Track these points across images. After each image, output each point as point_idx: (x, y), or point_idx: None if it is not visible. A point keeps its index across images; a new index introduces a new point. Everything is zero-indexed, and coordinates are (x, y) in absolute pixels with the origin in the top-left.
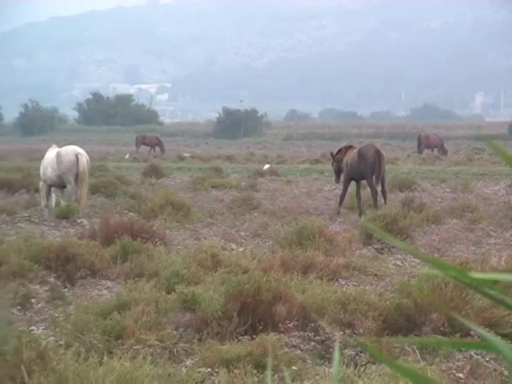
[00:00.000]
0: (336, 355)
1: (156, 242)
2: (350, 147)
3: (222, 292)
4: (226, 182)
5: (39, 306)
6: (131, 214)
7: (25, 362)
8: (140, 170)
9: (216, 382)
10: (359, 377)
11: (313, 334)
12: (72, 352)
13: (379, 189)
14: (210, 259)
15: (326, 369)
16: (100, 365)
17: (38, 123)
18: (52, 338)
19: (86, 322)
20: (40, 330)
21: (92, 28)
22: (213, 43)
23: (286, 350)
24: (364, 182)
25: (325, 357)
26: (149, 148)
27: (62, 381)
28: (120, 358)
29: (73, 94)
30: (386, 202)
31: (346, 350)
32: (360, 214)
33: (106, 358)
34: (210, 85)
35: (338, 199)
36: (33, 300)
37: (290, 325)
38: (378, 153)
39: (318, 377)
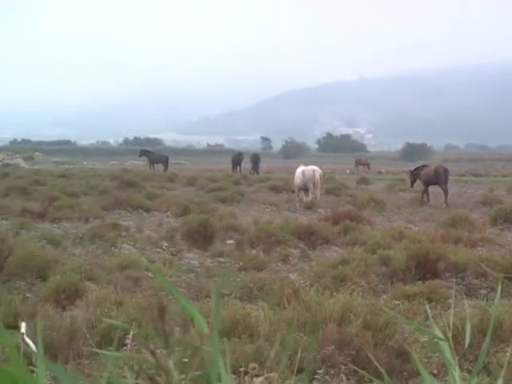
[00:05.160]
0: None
1: (364, 224)
2: (424, 166)
3: (405, 254)
4: (408, 187)
5: (294, 261)
6: (350, 206)
7: (285, 295)
8: (355, 180)
9: (401, 309)
10: (489, 306)
11: (461, 280)
12: (314, 289)
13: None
14: (397, 234)
15: (469, 301)
16: (331, 297)
17: (293, 151)
18: (302, 281)
19: (322, 271)
20: (294, 276)
21: (325, 92)
22: (399, 103)
23: (444, 289)
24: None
25: (468, 295)
26: (362, 166)
27: (307, 307)
28: (343, 293)
29: (315, 133)
30: (446, 197)
31: (481, 290)
32: (422, 204)
33: (334, 293)
34: (398, 128)
35: (425, 198)
36: (290, 258)
37: (447, 275)
38: (445, 170)
39: (464, 306)
